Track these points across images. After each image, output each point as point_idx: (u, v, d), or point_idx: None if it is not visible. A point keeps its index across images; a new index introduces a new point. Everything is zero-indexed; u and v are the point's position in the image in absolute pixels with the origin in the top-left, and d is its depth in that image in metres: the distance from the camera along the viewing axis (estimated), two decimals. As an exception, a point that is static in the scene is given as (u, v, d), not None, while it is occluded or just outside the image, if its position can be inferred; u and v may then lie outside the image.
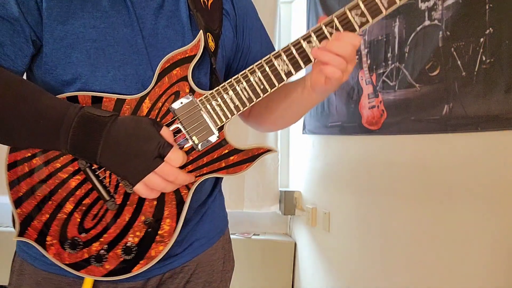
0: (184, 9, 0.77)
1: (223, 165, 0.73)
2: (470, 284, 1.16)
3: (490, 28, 1.09)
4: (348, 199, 1.89)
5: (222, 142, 0.73)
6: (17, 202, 0.70)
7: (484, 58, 1.11)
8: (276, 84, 0.72)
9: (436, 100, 1.28)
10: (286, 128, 0.91)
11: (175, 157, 0.66)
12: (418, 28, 1.38)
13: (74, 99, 0.70)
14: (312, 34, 0.70)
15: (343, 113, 1.89)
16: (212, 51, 0.77)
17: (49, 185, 0.70)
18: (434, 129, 1.29)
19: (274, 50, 0.87)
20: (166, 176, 0.66)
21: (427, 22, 1.34)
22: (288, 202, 2.50)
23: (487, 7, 1.10)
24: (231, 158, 0.73)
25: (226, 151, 0.73)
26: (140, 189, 0.66)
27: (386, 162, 1.59)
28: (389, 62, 1.53)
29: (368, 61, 1.69)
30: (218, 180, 0.89)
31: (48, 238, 0.70)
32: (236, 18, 0.86)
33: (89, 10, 0.70)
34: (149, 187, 0.66)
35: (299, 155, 2.56)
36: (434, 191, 1.32)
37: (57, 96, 0.69)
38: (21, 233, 0.70)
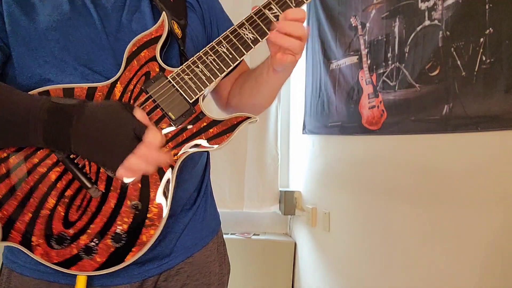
0: (146, 2, 0.78)
1: (203, 138, 0.72)
2: (470, 284, 1.16)
3: (490, 28, 1.09)
4: (348, 199, 1.89)
5: (199, 116, 0.72)
6: None
7: (484, 58, 1.11)
8: (245, 52, 0.73)
9: (436, 100, 1.28)
10: (267, 106, 0.95)
11: (153, 136, 0.63)
12: (418, 28, 1.38)
13: (45, 94, 0.69)
14: (272, 2, 0.73)
15: (343, 113, 1.89)
16: (180, 37, 0.78)
17: (28, 182, 0.67)
18: (434, 129, 1.29)
19: None
20: (145, 157, 0.63)
21: (427, 22, 1.34)
22: (288, 202, 2.50)
23: (487, 7, 1.10)
24: (211, 130, 0.72)
25: (204, 124, 0.72)
26: (122, 173, 0.64)
27: (386, 162, 1.59)
28: (389, 62, 1.53)
29: (368, 61, 1.69)
30: (205, 176, 0.88)
31: (34, 239, 0.68)
32: (201, 11, 0.87)
33: (49, 13, 0.71)
34: (130, 170, 0.64)
35: (299, 155, 2.56)
36: (434, 191, 1.32)
37: (28, 92, 0.68)
38: (4, 237, 0.67)
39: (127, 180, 0.67)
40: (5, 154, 0.68)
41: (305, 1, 0.74)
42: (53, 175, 0.68)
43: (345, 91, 1.87)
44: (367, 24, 1.69)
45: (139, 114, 0.65)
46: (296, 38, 0.71)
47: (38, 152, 0.68)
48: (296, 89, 2.61)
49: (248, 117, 0.73)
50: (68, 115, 0.63)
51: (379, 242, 1.62)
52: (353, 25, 1.81)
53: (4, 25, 0.69)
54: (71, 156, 0.68)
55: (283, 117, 2.70)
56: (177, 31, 0.78)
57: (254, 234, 2.59)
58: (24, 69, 0.70)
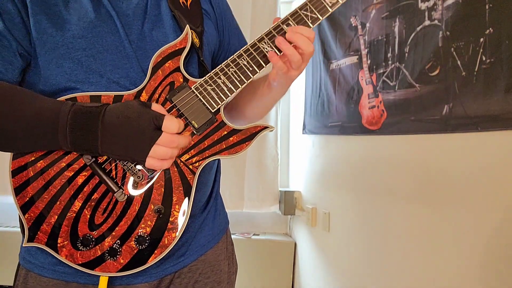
0: (166, 11, 0.81)
1: (224, 146, 0.76)
2: (470, 284, 1.16)
3: (490, 28, 1.09)
4: (348, 199, 1.89)
5: (220, 124, 0.76)
6: (24, 208, 0.69)
7: (484, 58, 1.11)
8: (264, 65, 0.76)
9: (436, 100, 1.28)
10: (258, 119, 0.99)
11: (170, 123, 0.67)
12: (418, 28, 1.38)
13: (73, 101, 0.71)
14: (290, 18, 0.76)
15: (343, 113, 1.89)
16: (198, 46, 0.81)
17: (55, 186, 0.70)
18: (434, 129, 1.29)
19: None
20: (168, 144, 0.68)
21: (427, 22, 1.34)
22: (288, 202, 2.50)
23: (487, 7, 1.10)
24: (231, 139, 0.76)
25: (225, 132, 0.76)
26: (152, 163, 0.68)
27: (386, 162, 1.59)
28: (389, 62, 1.53)
29: (368, 61, 1.69)
30: (216, 176, 0.91)
31: (59, 240, 0.70)
32: (215, 16, 0.90)
33: (76, 22, 0.73)
34: (158, 158, 0.68)
35: (299, 155, 2.56)
36: (434, 191, 1.32)
37: (57, 99, 0.70)
38: (30, 239, 0.69)
39: (159, 167, 0.70)
40: (32, 158, 0.70)
41: (321, 18, 0.76)
42: (80, 179, 0.71)
43: (345, 91, 1.87)
44: (367, 24, 1.69)
45: (156, 107, 0.69)
46: (299, 52, 0.74)
47: (66, 156, 0.70)
48: (296, 89, 2.61)
49: (266, 127, 0.77)
50: (93, 117, 0.66)
51: (379, 242, 1.62)
52: (353, 25, 1.81)
53: (27, 34, 0.71)
54: (99, 160, 0.71)
55: (283, 117, 2.70)
56: (196, 40, 0.80)
57: (254, 234, 2.59)
58: (50, 77, 0.72)
